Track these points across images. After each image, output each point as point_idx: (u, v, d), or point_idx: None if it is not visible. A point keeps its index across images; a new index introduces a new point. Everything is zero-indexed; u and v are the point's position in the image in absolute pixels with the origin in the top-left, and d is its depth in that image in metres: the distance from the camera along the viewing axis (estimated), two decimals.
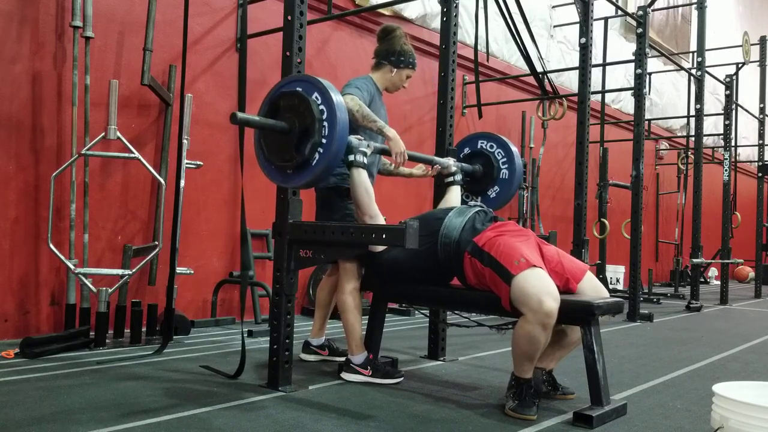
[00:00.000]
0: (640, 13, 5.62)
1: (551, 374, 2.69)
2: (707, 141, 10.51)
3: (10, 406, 2.27)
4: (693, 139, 7.85)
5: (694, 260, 7.08)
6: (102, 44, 3.91)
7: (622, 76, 9.12)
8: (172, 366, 3.03)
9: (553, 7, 8.10)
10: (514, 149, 3.35)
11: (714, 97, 11.62)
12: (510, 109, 7.43)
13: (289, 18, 2.66)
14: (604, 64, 7.45)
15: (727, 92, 8.03)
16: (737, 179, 9.44)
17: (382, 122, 2.89)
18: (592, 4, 4.84)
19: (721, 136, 8.64)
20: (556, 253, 2.57)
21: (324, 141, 2.37)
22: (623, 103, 9.54)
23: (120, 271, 3.57)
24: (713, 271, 11.50)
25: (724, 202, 8.11)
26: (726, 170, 8.09)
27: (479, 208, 2.74)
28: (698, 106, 7.19)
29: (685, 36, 11.81)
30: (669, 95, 10.71)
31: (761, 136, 9.16)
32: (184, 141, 3.81)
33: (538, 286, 2.27)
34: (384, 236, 2.32)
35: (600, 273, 7.27)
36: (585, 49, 4.83)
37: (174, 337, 3.68)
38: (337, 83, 2.94)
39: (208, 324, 4.33)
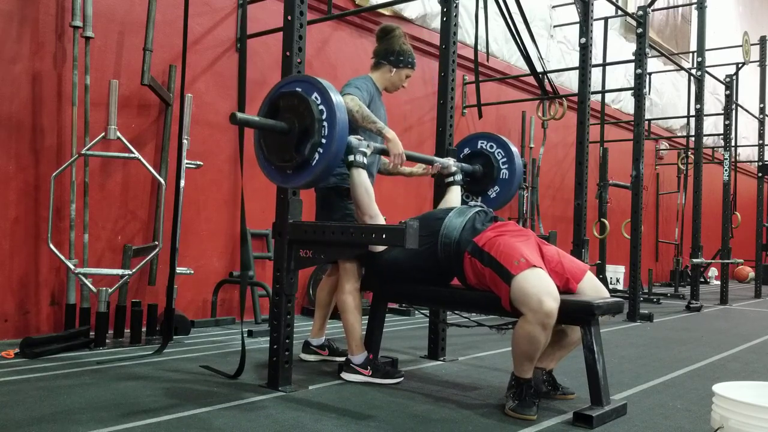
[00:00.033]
0: (640, 13, 5.62)
1: (551, 374, 2.69)
2: (707, 141, 10.51)
3: (10, 406, 2.27)
4: (693, 139, 7.85)
5: (694, 260, 7.08)
6: (102, 44, 3.91)
7: (622, 76, 9.12)
8: (172, 366, 3.03)
9: (553, 7, 8.10)
10: (514, 149, 3.35)
11: (714, 97, 11.62)
12: (510, 109, 7.43)
13: (289, 18, 2.66)
14: (604, 64, 7.45)
15: (727, 92, 8.03)
16: (737, 179, 9.45)
17: (382, 123, 2.89)
18: (592, 4, 4.84)
19: (721, 136, 8.64)
20: (556, 253, 2.57)
21: (324, 141, 2.37)
22: (623, 103, 9.54)
23: (120, 271, 3.57)
24: (713, 271, 11.50)
25: (724, 202, 8.11)
26: (726, 170, 8.09)
27: (479, 209, 2.74)
28: (698, 106, 7.19)
29: (685, 36, 11.81)
30: (669, 95, 10.71)
31: (761, 136, 9.16)
32: (184, 141, 3.81)
33: (538, 286, 2.27)
34: (384, 236, 2.32)
35: (600, 273, 7.27)
36: (585, 49, 4.83)
37: (174, 337, 3.68)
38: (337, 83, 2.95)
39: (208, 324, 4.33)
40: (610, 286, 7.87)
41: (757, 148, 9.52)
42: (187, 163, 3.91)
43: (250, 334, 3.99)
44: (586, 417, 2.28)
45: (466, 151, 3.45)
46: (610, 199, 7.34)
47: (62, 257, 3.44)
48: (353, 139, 2.73)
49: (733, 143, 8.70)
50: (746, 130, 12.82)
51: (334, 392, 2.65)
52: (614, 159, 8.31)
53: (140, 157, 3.59)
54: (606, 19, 7.58)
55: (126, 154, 3.60)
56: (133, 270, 3.58)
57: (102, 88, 3.77)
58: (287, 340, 2.62)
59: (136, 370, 2.92)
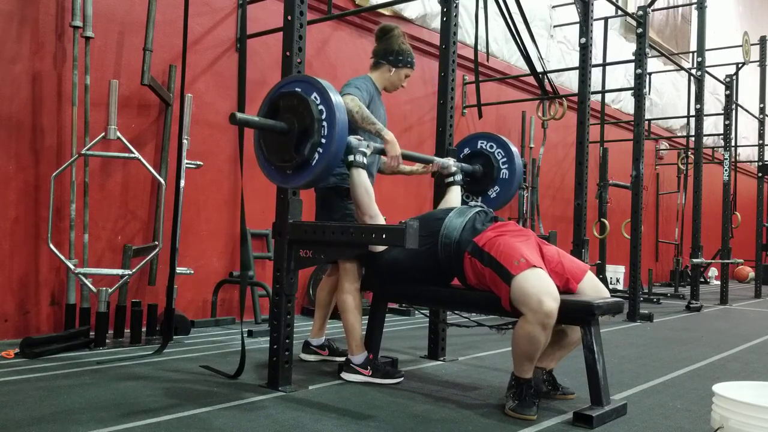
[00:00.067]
0: (640, 13, 5.62)
1: (551, 374, 2.69)
2: (707, 141, 10.51)
3: (10, 406, 2.27)
4: (693, 139, 7.85)
5: (694, 260, 7.08)
6: (102, 44, 3.91)
7: (622, 76, 9.12)
8: (172, 366, 3.03)
9: (553, 7, 8.10)
10: (514, 149, 3.35)
11: (714, 97, 11.62)
12: (510, 109, 7.43)
13: (289, 18, 2.66)
14: (604, 64, 7.45)
15: (727, 92, 8.03)
16: (737, 179, 9.44)
17: (381, 125, 2.90)
18: (592, 4, 4.84)
19: (721, 136, 8.64)
20: (556, 253, 2.57)
21: (323, 141, 2.37)
22: (623, 103, 9.54)
23: (120, 271, 3.57)
24: (713, 271, 11.50)
25: (724, 202, 8.11)
26: (726, 170, 8.09)
27: (480, 209, 2.74)
28: (698, 106, 7.19)
29: (685, 36, 11.81)
30: (669, 95, 10.71)
31: (761, 136, 9.16)
32: (184, 141, 3.81)
33: (538, 286, 2.27)
34: (384, 236, 2.32)
35: (600, 273, 7.27)
36: (585, 49, 4.83)
37: (174, 337, 3.68)
38: (337, 83, 2.95)
39: (208, 324, 4.33)
40: (610, 286, 7.87)
41: (757, 148, 9.51)
42: (187, 163, 3.91)
43: (250, 334, 3.99)
44: (586, 417, 2.28)
45: (466, 151, 3.45)
46: (610, 199, 7.34)
47: (62, 257, 3.44)
48: (353, 139, 2.73)
49: (733, 143, 8.70)
50: (746, 130, 12.82)
51: (334, 392, 2.65)
52: (614, 159, 8.31)
53: (140, 157, 3.59)
54: (606, 19, 7.58)
55: (126, 154, 3.60)
56: (133, 270, 3.58)
57: (102, 88, 3.77)
58: (287, 340, 2.62)
59: (136, 370, 2.92)
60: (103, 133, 3.53)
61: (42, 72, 3.67)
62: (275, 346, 2.62)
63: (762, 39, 9.13)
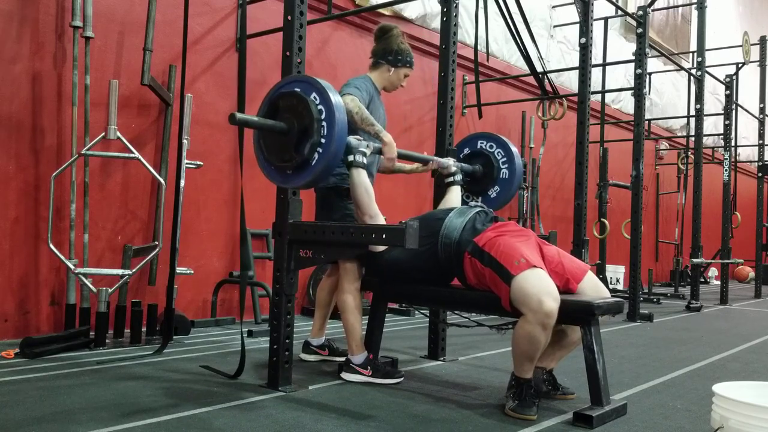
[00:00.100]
0: (640, 13, 5.62)
1: (552, 374, 2.69)
2: (707, 141, 10.51)
3: (10, 406, 2.27)
4: (693, 139, 7.85)
5: (694, 260, 7.08)
6: (102, 44, 3.91)
7: (622, 76, 9.12)
8: (172, 366, 3.03)
9: (553, 7, 8.10)
10: (514, 149, 3.35)
11: (714, 97, 11.62)
12: (510, 109, 7.43)
13: (289, 18, 2.66)
14: (604, 64, 7.45)
15: (727, 92, 8.03)
16: (737, 179, 9.44)
17: (380, 126, 2.90)
18: (592, 4, 4.84)
19: (721, 136, 8.64)
20: (556, 253, 2.57)
21: (323, 141, 2.37)
22: (623, 103, 9.54)
23: (120, 271, 3.57)
24: (713, 271, 11.50)
25: (724, 202, 8.11)
26: (726, 170, 8.09)
27: (480, 209, 2.74)
28: (698, 106, 7.19)
29: (685, 36, 11.81)
30: (669, 95, 10.71)
31: (761, 136, 9.16)
32: (184, 141, 3.81)
33: (538, 287, 2.27)
34: (384, 236, 2.32)
35: (600, 273, 7.27)
36: (585, 49, 4.83)
37: (174, 337, 3.68)
38: (337, 83, 2.95)
39: (208, 324, 4.33)
40: (610, 286, 7.87)
41: (757, 148, 9.51)
42: (187, 163, 3.91)
43: (250, 334, 3.99)
44: (586, 417, 2.28)
45: (466, 151, 3.45)
46: (610, 199, 7.34)
47: (62, 257, 3.44)
48: (353, 139, 2.73)
49: (733, 143, 8.70)
50: (746, 130, 12.82)
51: (334, 392, 2.65)
52: (614, 159, 8.31)
53: (140, 157, 3.59)
54: (606, 19, 7.58)
55: (126, 154, 3.60)
56: (133, 270, 3.58)
57: (102, 88, 3.77)
58: (287, 340, 2.62)
59: (136, 370, 2.92)
60: (103, 133, 3.53)
61: (42, 72, 3.67)
62: (275, 346, 2.62)
63: (762, 39, 9.13)
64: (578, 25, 4.93)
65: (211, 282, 4.52)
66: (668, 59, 7.64)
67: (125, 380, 2.71)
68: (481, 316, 4.54)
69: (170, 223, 3.53)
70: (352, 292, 2.92)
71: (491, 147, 3.39)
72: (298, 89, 2.44)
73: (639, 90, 5.57)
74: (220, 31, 4.63)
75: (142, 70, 3.86)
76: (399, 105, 5.84)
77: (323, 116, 2.37)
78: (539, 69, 5.35)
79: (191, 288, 4.41)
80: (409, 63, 3.19)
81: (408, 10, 5.91)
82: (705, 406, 2.55)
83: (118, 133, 3.55)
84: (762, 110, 9.05)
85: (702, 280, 9.87)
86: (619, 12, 7.14)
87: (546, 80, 5.53)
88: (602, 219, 6.59)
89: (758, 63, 9.15)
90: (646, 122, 9.25)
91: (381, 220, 2.81)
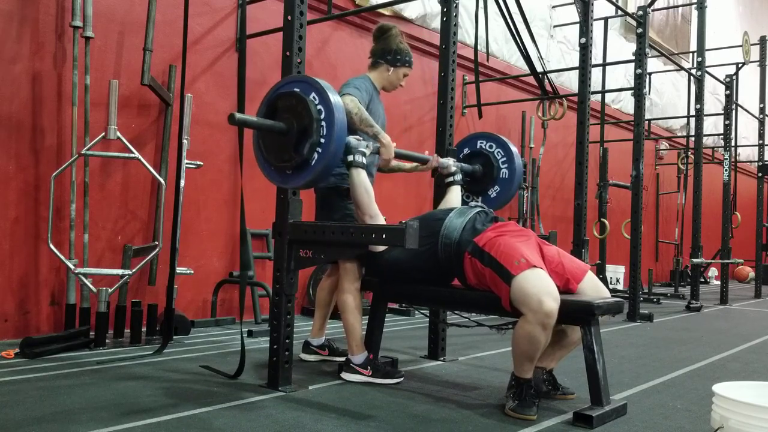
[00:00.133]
0: (640, 13, 5.62)
1: (552, 374, 2.69)
2: (707, 141, 10.51)
3: (10, 406, 2.27)
4: (693, 139, 7.85)
5: (694, 260, 7.08)
6: (102, 44, 3.91)
7: (622, 76, 9.12)
8: (172, 366, 3.03)
9: (553, 7, 8.10)
10: (514, 148, 3.35)
11: (714, 97, 11.61)
12: (510, 109, 7.43)
13: (289, 18, 2.66)
14: (604, 64, 7.45)
15: (727, 92, 8.03)
16: (737, 179, 9.44)
17: (378, 127, 2.90)
18: (592, 4, 4.84)
19: (721, 136, 8.64)
20: (556, 253, 2.57)
21: (322, 141, 2.37)
22: (623, 103, 9.54)
23: (120, 271, 3.57)
24: (713, 271, 11.49)
25: (724, 202, 8.11)
26: (726, 170, 8.09)
27: (480, 209, 2.74)
28: (698, 106, 7.19)
29: (685, 36, 11.81)
30: (669, 95, 10.71)
31: (761, 136, 9.16)
32: (184, 141, 3.81)
33: (538, 287, 2.27)
34: (384, 236, 2.32)
35: (600, 273, 7.27)
36: (585, 49, 4.83)
37: (174, 337, 3.68)
38: (337, 83, 2.95)
39: (208, 324, 4.33)
40: (610, 286, 7.87)
41: (757, 148, 9.51)
42: (187, 163, 3.91)
43: (250, 334, 3.99)
44: (586, 417, 2.28)
45: (466, 151, 3.45)
46: (610, 199, 7.34)
47: (62, 257, 3.44)
48: (352, 139, 2.73)
49: (733, 143, 8.70)
50: (746, 130, 12.82)
51: (334, 392, 2.65)
52: (614, 159, 8.31)
53: (140, 157, 3.59)
54: (606, 19, 7.58)
55: (126, 154, 3.60)
56: (133, 270, 3.58)
57: (102, 88, 3.77)
58: (287, 340, 2.62)
59: (136, 370, 2.92)
60: (103, 133, 3.53)
61: (42, 72, 3.67)
62: (275, 346, 2.62)
63: (762, 39, 9.13)
64: (578, 25, 4.93)
65: (211, 282, 4.52)
66: (668, 59, 7.64)
67: (125, 380, 2.71)
68: (481, 316, 4.54)
69: (170, 223, 3.53)
70: (352, 292, 2.92)
71: (491, 147, 3.39)
72: (297, 89, 2.44)
73: (639, 90, 5.57)
74: (220, 31, 4.63)
75: (142, 70, 3.86)
76: (399, 105, 5.84)
77: (323, 116, 2.37)
78: (539, 69, 5.35)
79: (191, 288, 4.41)
80: (408, 62, 3.19)
81: (408, 10, 5.91)
82: (705, 406, 2.55)
83: (118, 133, 3.55)
84: (762, 110, 9.05)
85: (702, 280, 9.87)
86: (619, 12, 7.15)
87: (546, 80, 5.53)
88: (602, 219, 6.59)
89: (758, 63, 9.15)
90: (646, 122, 9.25)
91: (381, 220, 2.81)
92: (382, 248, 2.78)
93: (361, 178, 2.77)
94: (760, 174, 9.24)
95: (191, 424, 2.13)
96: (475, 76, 5.89)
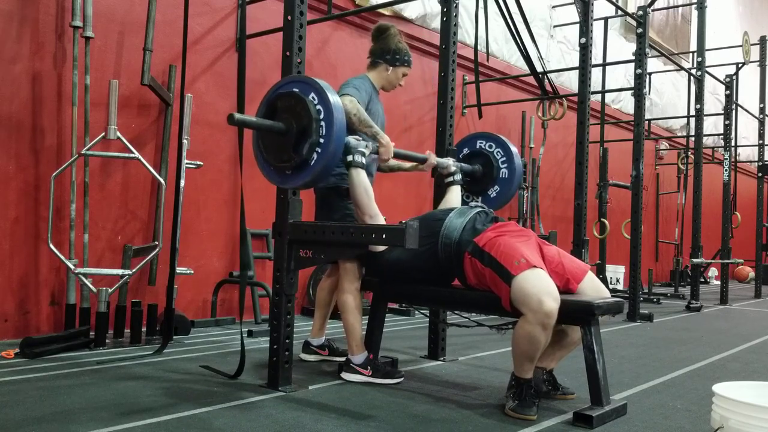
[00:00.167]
0: (640, 13, 5.62)
1: (552, 374, 2.69)
2: (707, 141, 10.51)
3: (10, 406, 2.27)
4: (693, 139, 7.85)
5: (694, 260, 7.08)
6: (102, 44, 3.91)
7: (622, 76, 9.12)
8: (172, 366, 3.03)
9: (553, 7, 8.10)
10: (513, 148, 3.35)
11: (714, 97, 11.62)
12: (510, 109, 7.43)
13: (289, 18, 2.66)
14: (604, 64, 7.45)
15: (727, 92, 8.03)
16: (737, 179, 9.44)
17: (378, 128, 2.90)
18: (592, 4, 4.84)
19: (721, 136, 8.64)
20: (556, 254, 2.57)
21: (322, 141, 2.37)
22: (623, 103, 9.54)
23: (120, 271, 3.57)
24: (713, 271, 11.49)
25: (724, 202, 8.11)
26: (726, 170, 8.09)
27: (480, 209, 2.74)
28: (698, 106, 7.19)
29: (685, 36, 11.81)
30: (669, 95, 10.71)
31: (761, 136, 9.16)
32: (184, 141, 3.81)
33: (538, 287, 2.27)
34: (384, 236, 2.32)
35: (600, 273, 7.27)
36: (585, 49, 4.83)
37: (174, 337, 3.68)
38: (337, 83, 2.95)
39: (208, 324, 4.33)
40: (610, 286, 7.87)
41: (757, 148, 9.51)
42: (187, 163, 3.91)
43: (250, 334, 3.99)
44: (586, 417, 2.28)
45: (466, 151, 3.45)
46: (610, 199, 7.34)
47: (62, 257, 3.44)
48: (352, 139, 2.73)
49: (733, 143, 8.70)
50: (746, 130, 12.82)
51: (334, 392, 2.65)
52: (614, 159, 8.31)
53: (140, 157, 3.59)
54: (606, 19, 7.58)
55: (126, 154, 3.60)
56: (133, 270, 3.58)
57: (102, 88, 3.77)
58: (287, 340, 2.62)
59: (136, 370, 2.92)
60: (103, 133, 3.53)
61: (42, 72, 3.67)
62: (275, 346, 2.62)
63: (762, 39, 9.13)
64: (578, 25, 4.93)
65: (211, 282, 4.52)
66: (668, 59, 7.64)
67: (125, 380, 2.71)
68: (481, 316, 4.54)
69: (170, 223, 3.53)
70: (352, 292, 2.92)
71: (491, 147, 3.39)
72: (296, 89, 2.44)
73: (639, 90, 5.57)
74: (220, 31, 4.63)
75: (142, 70, 3.86)
76: (399, 105, 5.84)
77: (322, 116, 2.37)
78: (539, 69, 5.35)
79: (191, 288, 4.41)
80: (407, 62, 3.19)
81: (408, 10, 5.91)
82: (705, 406, 2.55)
83: (118, 133, 3.55)
84: (762, 110, 9.05)
85: (702, 280, 9.87)
86: (619, 12, 7.15)
87: (546, 80, 5.53)
88: (602, 219, 6.59)
89: (758, 63, 9.15)
90: (646, 122, 9.25)
91: (381, 220, 2.81)
92: (382, 248, 2.78)
93: (360, 178, 2.77)
94: (760, 174, 9.24)
95: (191, 424, 2.13)
96: (475, 76, 5.89)
